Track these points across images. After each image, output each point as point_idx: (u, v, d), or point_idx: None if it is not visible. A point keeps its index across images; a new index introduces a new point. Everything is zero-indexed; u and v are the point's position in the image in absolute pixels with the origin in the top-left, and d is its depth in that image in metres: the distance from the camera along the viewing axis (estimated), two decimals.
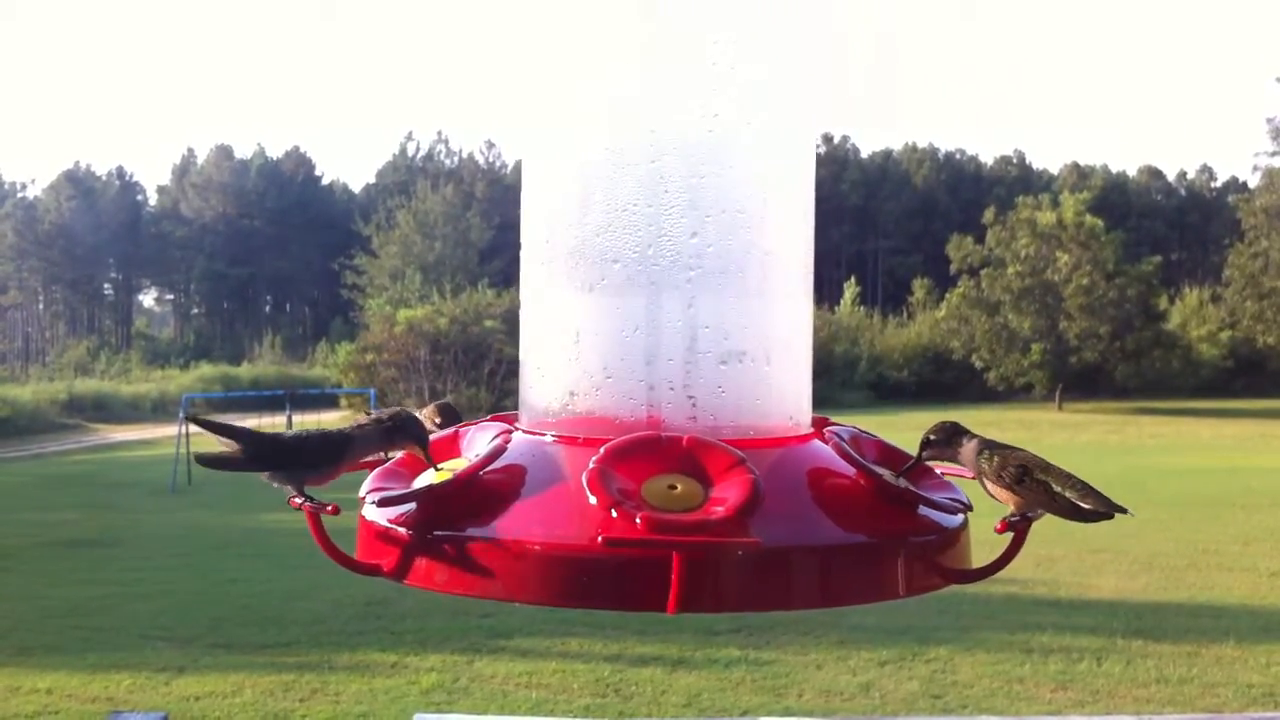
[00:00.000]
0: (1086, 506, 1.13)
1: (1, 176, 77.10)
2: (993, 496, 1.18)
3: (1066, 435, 27.81)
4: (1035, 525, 1.17)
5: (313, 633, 8.41)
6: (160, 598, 9.89)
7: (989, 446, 1.19)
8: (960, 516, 1.14)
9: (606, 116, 1.17)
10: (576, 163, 1.19)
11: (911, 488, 1.13)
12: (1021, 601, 9.14)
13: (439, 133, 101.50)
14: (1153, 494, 16.04)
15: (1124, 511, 1.14)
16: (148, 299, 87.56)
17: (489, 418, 1.29)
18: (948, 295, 45.90)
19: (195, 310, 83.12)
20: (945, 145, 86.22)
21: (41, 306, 79.84)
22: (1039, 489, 1.14)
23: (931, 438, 1.22)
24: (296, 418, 20.39)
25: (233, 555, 12.04)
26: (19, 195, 76.58)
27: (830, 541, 1.07)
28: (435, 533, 1.05)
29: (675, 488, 1.02)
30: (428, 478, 1.15)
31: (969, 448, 1.20)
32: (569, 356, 1.18)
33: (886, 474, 1.13)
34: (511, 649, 7.94)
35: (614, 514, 0.98)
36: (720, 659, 7.61)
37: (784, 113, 1.22)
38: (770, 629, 8.11)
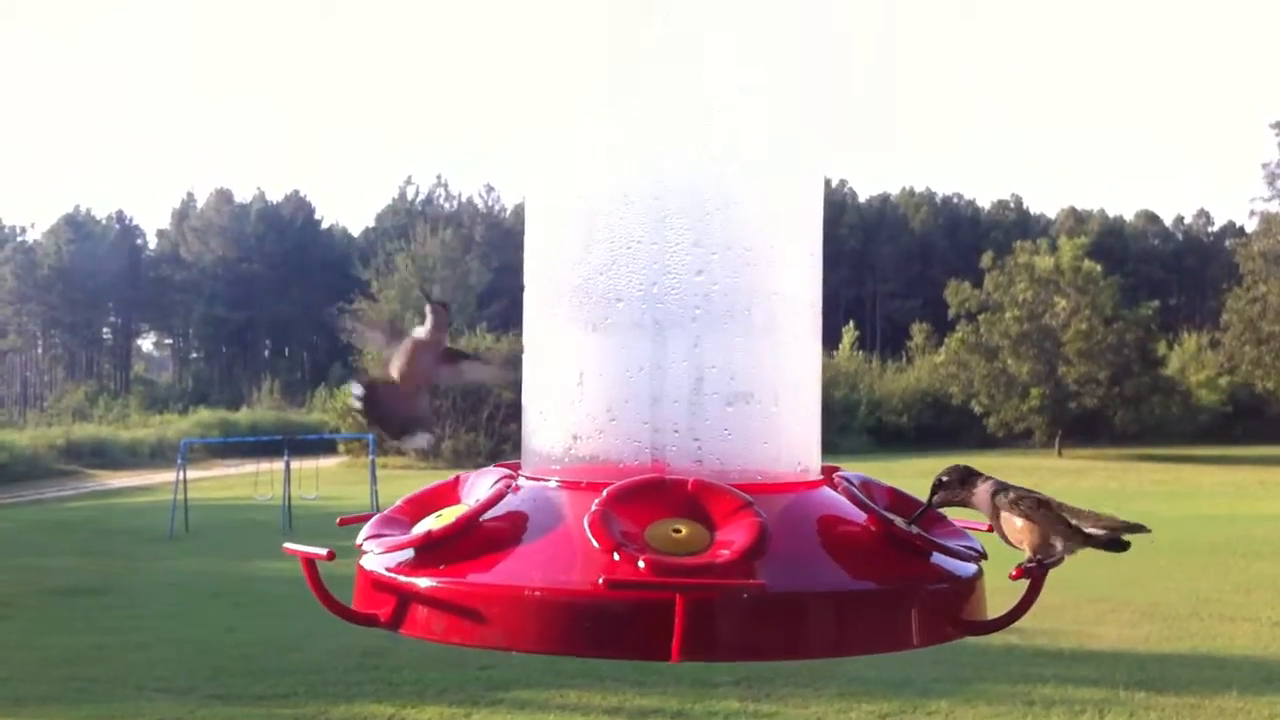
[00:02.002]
0: (1102, 533, 1.11)
1: (1, 221, 77.22)
2: (1006, 540, 1.15)
3: (1067, 481, 27.69)
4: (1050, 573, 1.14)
5: (310, 683, 8.31)
6: (158, 647, 9.79)
7: (1003, 487, 1.16)
8: (975, 565, 1.11)
9: (609, 154, 1.15)
10: (579, 200, 1.16)
11: (925, 534, 1.10)
12: (1022, 652, 9.05)
13: (438, 176, 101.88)
14: (1155, 542, 15.94)
15: (1144, 530, 1.12)
16: (147, 343, 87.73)
17: (494, 465, 1.26)
18: (946, 340, 45.92)
19: (194, 355, 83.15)
20: (942, 189, 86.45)
21: (40, 351, 79.91)
22: (1057, 520, 1.11)
23: (944, 479, 1.19)
24: (295, 464, 20.30)
25: (231, 603, 11.94)
26: (19, 239, 76.79)
27: (841, 588, 1.04)
28: (433, 581, 1.02)
29: (680, 531, 0.99)
30: (427, 524, 1.11)
31: (982, 489, 1.17)
32: (572, 399, 1.15)
33: (899, 521, 1.10)
34: (510, 700, 7.84)
35: (616, 557, 0.95)
36: (720, 711, 7.52)
37: (789, 151, 1.20)
38: (770, 680, 8.02)
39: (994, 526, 1.16)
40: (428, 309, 1.61)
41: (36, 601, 12.23)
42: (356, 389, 1.84)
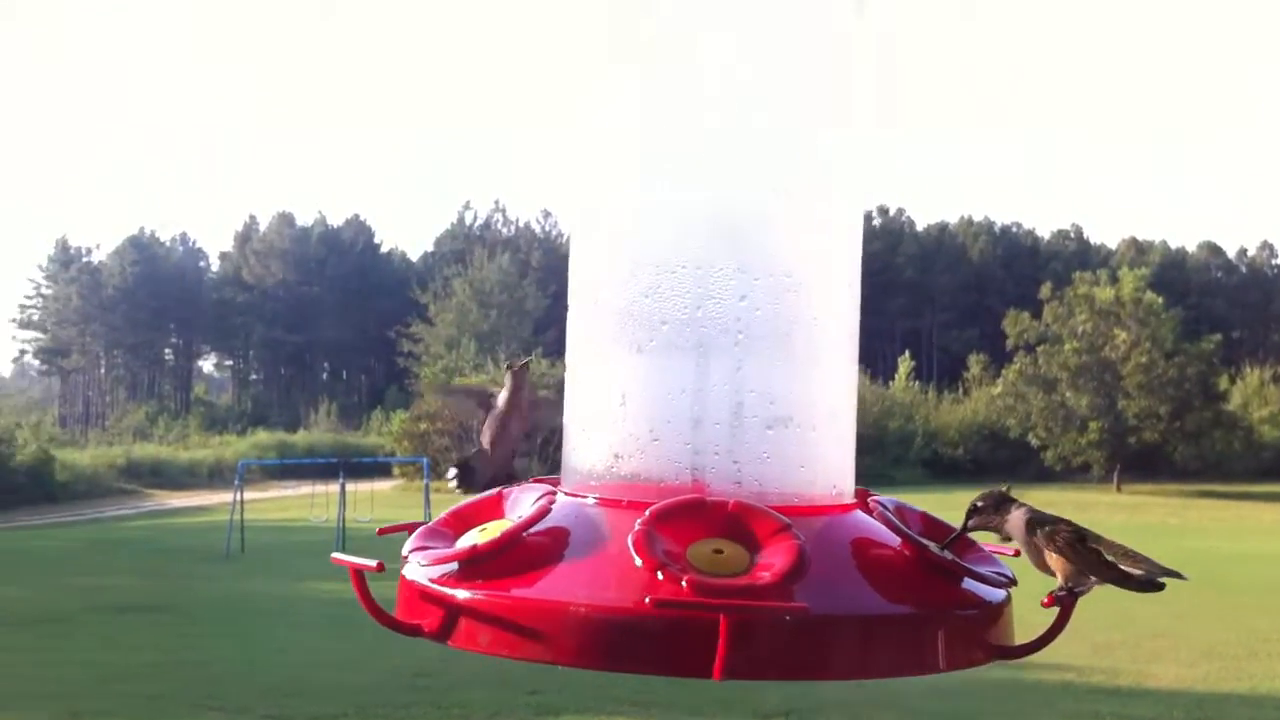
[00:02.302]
0: (1138, 573, 1.11)
1: (68, 241, 78.55)
2: (1038, 567, 1.16)
3: (1125, 517, 27.32)
4: (1092, 611, 1.15)
5: (360, 704, 8.36)
6: (212, 665, 9.90)
7: (1038, 515, 1.17)
8: (1004, 591, 1.13)
9: (654, 181, 1.18)
10: (624, 225, 1.19)
11: (957, 559, 1.11)
12: (1078, 689, 8.93)
13: (496, 202, 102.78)
14: (1214, 580, 15.68)
15: (1178, 576, 1.12)
16: (207, 364, 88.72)
17: (532, 480, 1.29)
18: (1004, 371, 45.46)
19: (254, 376, 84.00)
20: (1001, 219, 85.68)
21: (103, 370, 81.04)
22: (1092, 555, 1.12)
23: (979, 504, 1.20)
24: (350, 486, 20.45)
25: (284, 623, 12.05)
26: (84, 260, 78.02)
27: (875, 611, 1.06)
28: (479, 594, 1.05)
29: (721, 552, 1.01)
30: (471, 538, 1.14)
31: (1016, 516, 1.18)
32: (615, 418, 1.17)
33: (931, 545, 1.11)
34: None
35: (659, 576, 0.97)
36: None
37: (831, 181, 1.22)
38: (820, 710, 7.98)
39: (1027, 554, 1.17)
40: (507, 374, 1.66)
41: (94, 619, 12.40)
42: (451, 472, 1.91)
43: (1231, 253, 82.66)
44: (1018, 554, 1.26)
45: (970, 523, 1.19)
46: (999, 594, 1.12)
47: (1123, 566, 1.13)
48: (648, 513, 1.03)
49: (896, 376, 53.86)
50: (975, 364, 55.27)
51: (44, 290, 77.76)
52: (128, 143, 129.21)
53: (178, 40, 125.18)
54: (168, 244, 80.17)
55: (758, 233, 1.17)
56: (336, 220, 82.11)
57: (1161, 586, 1.14)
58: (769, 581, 0.96)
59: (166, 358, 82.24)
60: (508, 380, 1.63)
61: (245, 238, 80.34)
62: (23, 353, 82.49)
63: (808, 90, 1.20)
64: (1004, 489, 1.23)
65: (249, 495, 24.16)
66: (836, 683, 1.08)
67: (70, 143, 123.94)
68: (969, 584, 1.10)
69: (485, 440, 1.67)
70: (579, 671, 1.03)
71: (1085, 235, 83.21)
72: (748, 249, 1.16)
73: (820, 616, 0.99)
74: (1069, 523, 1.16)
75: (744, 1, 1.17)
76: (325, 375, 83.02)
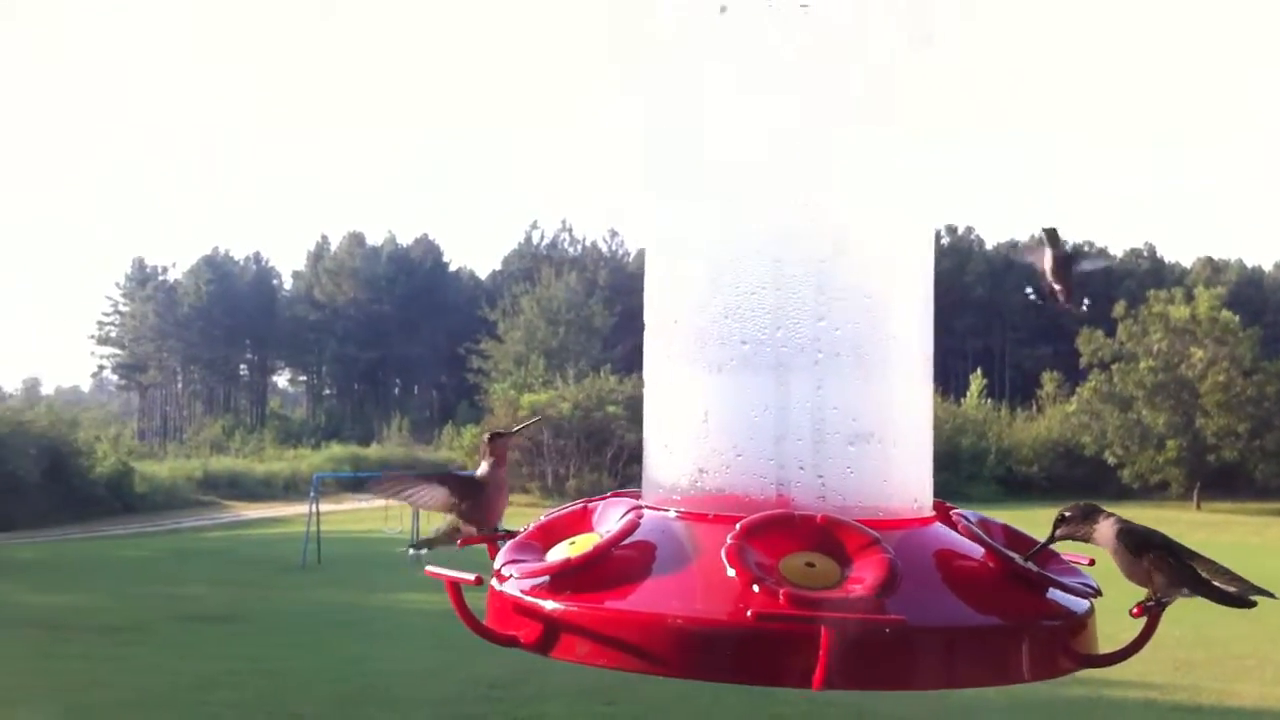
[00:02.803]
0: (1231, 589, 1.13)
1: (145, 261, 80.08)
2: (1129, 576, 1.17)
3: (1205, 535, 26.81)
4: (1174, 629, 1.17)
5: (435, 715, 8.43)
6: (286, 675, 10.00)
7: (1129, 526, 1.18)
8: (1089, 601, 1.14)
9: (732, 205, 1.21)
10: (702, 250, 1.22)
11: (1041, 570, 1.13)
12: (1160, 707, 8.80)
13: (563, 221, 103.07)
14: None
15: (1269, 595, 1.14)
16: (282, 380, 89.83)
17: (613, 494, 1.31)
18: (1078, 389, 44.89)
19: (327, 391, 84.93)
20: (1074, 237, 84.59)
21: (180, 386, 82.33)
22: (1186, 569, 1.14)
23: (1066, 515, 1.21)
24: None
25: (359, 634, 12.15)
26: (160, 278, 79.41)
27: (964, 623, 1.08)
28: (575, 606, 1.07)
29: (812, 565, 1.04)
30: (561, 551, 1.17)
31: (1105, 526, 1.19)
32: (698, 435, 1.20)
33: (1015, 556, 1.13)
34: None
35: (755, 589, 0.99)
36: None
37: (906, 202, 1.25)
38: None
39: (1117, 563, 1.18)
40: (485, 445, 1.57)
41: (171, 627, 12.59)
42: (411, 553, 1.89)
43: None
44: (1092, 563, 1.28)
45: (1058, 532, 1.21)
46: (1084, 604, 1.14)
47: (1215, 582, 1.15)
48: (738, 526, 1.06)
49: (968, 394, 53.35)
50: (1049, 381, 54.58)
51: (121, 308, 79.30)
52: (203, 164, 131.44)
53: (252, 69, 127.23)
54: (241, 263, 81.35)
55: (835, 254, 1.19)
56: (406, 239, 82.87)
57: (1253, 604, 1.15)
58: (863, 594, 0.99)
59: (242, 373, 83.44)
60: (487, 452, 1.54)
61: (317, 257, 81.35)
62: (101, 368, 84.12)
63: (884, 113, 1.22)
64: (1085, 504, 1.24)
65: (324, 507, 24.42)
66: (916, 700, 1.09)
67: (147, 164, 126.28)
68: (1054, 594, 1.12)
69: (474, 526, 1.54)
70: (655, 683, 1.05)
71: (1159, 254, 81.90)
72: (825, 270, 1.18)
73: (915, 628, 1.01)
74: (1162, 535, 1.18)
75: (825, 30, 1.20)
76: (397, 390, 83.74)
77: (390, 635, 11.72)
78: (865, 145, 1.22)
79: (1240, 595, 1.15)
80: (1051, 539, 1.22)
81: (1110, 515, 1.20)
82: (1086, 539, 1.21)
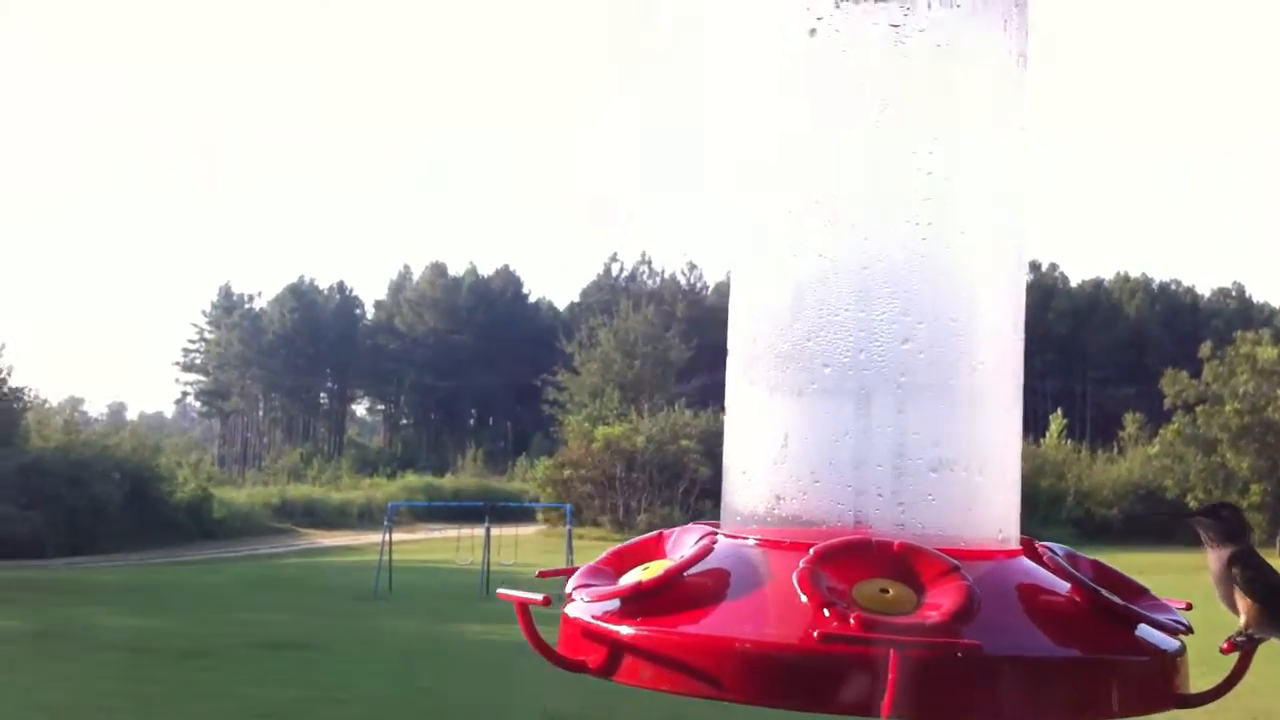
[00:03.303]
0: None
1: (231, 288, 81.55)
2: (1224, 602, 1.13)
3: None
4: (1251, 678, 1.12)
5: None
6: (356, 704, 10.07)
7: (1244, 551, 1.15)
8: (1179, 640, 1.10)
9: (820, 223, 1.18)
10: (787, 271, 1.20)
11: (1130, 606, 1.09)
12: None
13: (643, 253, 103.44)
14: None
15: None
16: (360, 409, 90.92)
17: (691, 524, 1.29)
18: (1161, 431, 44.19)
19: (404, 421, 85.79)
20: (1159, 275, 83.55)
21: (261, 413, 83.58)
22: None
23: (1223, 512, 1.19)
24: (495, 530, 20.72)
25: (429, 663, 12.21)
26: (246, 306, 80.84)
27: (1045, 654, 1.04)
28: (643, 630, 1.05)
29: (887, 591, 1.01)
30: (634, 576, 1.15)
31: (1224, 550, 1.16)
32: (775, 460, 1.17)
33: (1104, 591, 1.09)
34: None
35: (825, 613, 0.97)
36: None
37: (997, 224, 1.22)
38: None
39: (1216, 587, 1.15)
40: None
41: (242, 654, 12.73)
42: None
43: None
44: (1189, 606, 1.23)
45: (1197, 516, 1.18)
46: (1174, 643, 1.09)
47: None
48: (811, 551, 1.03)
49: (1048, 434, 52.68)
50: (1131, 423, 53.78)
51: (206, 335, 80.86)
52: (290, 193, 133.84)
53: (339, 99, 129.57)
54: (325, 292, 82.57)
55: (921, 277, 1.16)
56: (486, 270, 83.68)
57: None
58: (938, 621, 0.96)
59: (322, 401, 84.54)
60: None
61: (399, 287, 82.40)
62: (185, 394, 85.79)
63: (975, 133, 1.20)
64: (1239, 514, 1.22)
65: (397, 536, 24.64)
66: None
67: (236, 192, 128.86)
68: (1143, 630, 1.08)
69: None
70: (731, 710, 1.03)
71: (1247, 294, 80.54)
72: (911, 293, 1.15)
73: (991, 657, 0.97)
74: (1270, 569, 1.14)
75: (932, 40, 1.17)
76: (472, 421, 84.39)
77: (459, 666, 11.76)
78: (953, 168, 1.18)
79: None
80: (1189, 513, 1.22)
81: (1242, 537, 1.17)
82: (1210, 543, 1.18)
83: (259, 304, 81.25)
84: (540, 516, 40.19)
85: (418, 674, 11.60)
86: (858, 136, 1.18)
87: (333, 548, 32.76)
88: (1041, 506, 43.16)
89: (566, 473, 41.16)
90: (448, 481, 51.36)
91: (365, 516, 42.49)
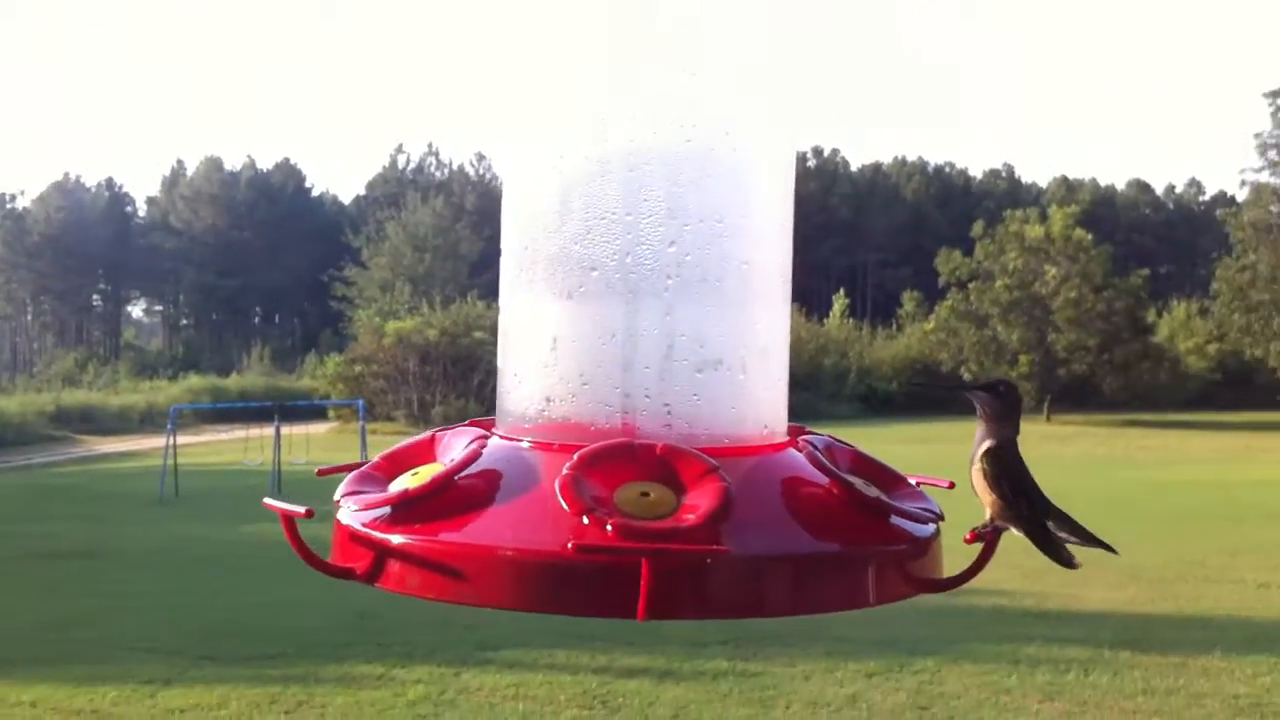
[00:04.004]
0: (1064, 553, 1.18)
1: None
2: (974, 490, 1.19)
3: (1054, 447, 27.80)
4: (1023, 538, 1.19)
5: (299, 645, 8.38)
6: (147, 610, 9.86)
7: (1005, 445, 1.20)
8: (932, 526, 1.15)
9: (586, 125, 1.17)
10: (556, 170, 1.19)
11: (883, 497, 1.14)
12: (1009, 613, 9.15)
13: (429, 145, 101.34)
14: (1141, 507, 16.08)
15: (1109, 549, 1.18)
16: (136, 310, 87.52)
17: (466, 423, 1.29)
18: (936, 308, 46.04)
19: (184, 322, 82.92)
20: (935, 159, 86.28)
21: (30, 317, 79.66)
22: (1032, 520, 1.18)
23: (999, 388, 1.24)
24: (285, 430, 20.32)
25: (220, 567, 12.00)
26: (8, 206, 76.43)
27: (801, 550, 1.07)
28: (409, 538, 1.05)
29: (648, 495, 1.02)
30: (403, 482, 1.15)
31: (990, 431, 1.22)
32: (546, 363, 1.18)
33: (859, 483, 1.13)
34: (499, 661, 7.92)
35: (585, 520, 0.98)
36: (708, 670, 7.60)
37: (763, 124, 1.22)
38: (758, 640, 8.10)
39: (971, 473, 1.20)
40: None
41: (26, 565, 12.29)
42: None
43: (1160, 190, 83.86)
44: (952, 486, 1.29)
45: (974, 390, 1.24)
46: (926, 529, 1.14)
47: (1059, 531, 1.19)
48: (575, 456, 1.04)
49: (831, 314, 54.34)
50: (909, 301, 55.89)
51: None
52: (51, 87, 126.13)
53: None
54: (93, 189, 78.66)
55: (688, 178, 1.16)
56: (266, 164, 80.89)
57: (1077, 566, 1.18)
58: (694, 523, 0.98)
59: (95, 304, 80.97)
60: None
61: (173, 182, 79.02)
62: None
63: (738, 30, 1.19)
64: (1015, 391, 1.26)
65: (182, 440, 23.96)
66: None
67: None
68: (896, 520, 1.12)
69: None
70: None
71: (1017, 174, 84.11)
72: (677, 195, 1.16)
73: (743, 556, 1.00)
74: (1018, 464, 1.20)
75: None
76: (258, 320, 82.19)
77: (253, 568, 11.58)
78: (716, 64, 1.18)
79: (1069, 559, 1.18)
80: (965, 386, 1.26)
81: (1010, 428, 1.22)
82: (982, 417, 1.23)
83: (22, 203, 76.91)
84: (332, 414, 39.59)
85: (210, 578, 11.40)
86: (623, 36, 1.17)
87: (114, 454, 31.66)
88: (827, 384, 44.72)
89: (358, 369, 40.59)
90: (233, 382, 49.91)
91: (147, 421, 41.07)
